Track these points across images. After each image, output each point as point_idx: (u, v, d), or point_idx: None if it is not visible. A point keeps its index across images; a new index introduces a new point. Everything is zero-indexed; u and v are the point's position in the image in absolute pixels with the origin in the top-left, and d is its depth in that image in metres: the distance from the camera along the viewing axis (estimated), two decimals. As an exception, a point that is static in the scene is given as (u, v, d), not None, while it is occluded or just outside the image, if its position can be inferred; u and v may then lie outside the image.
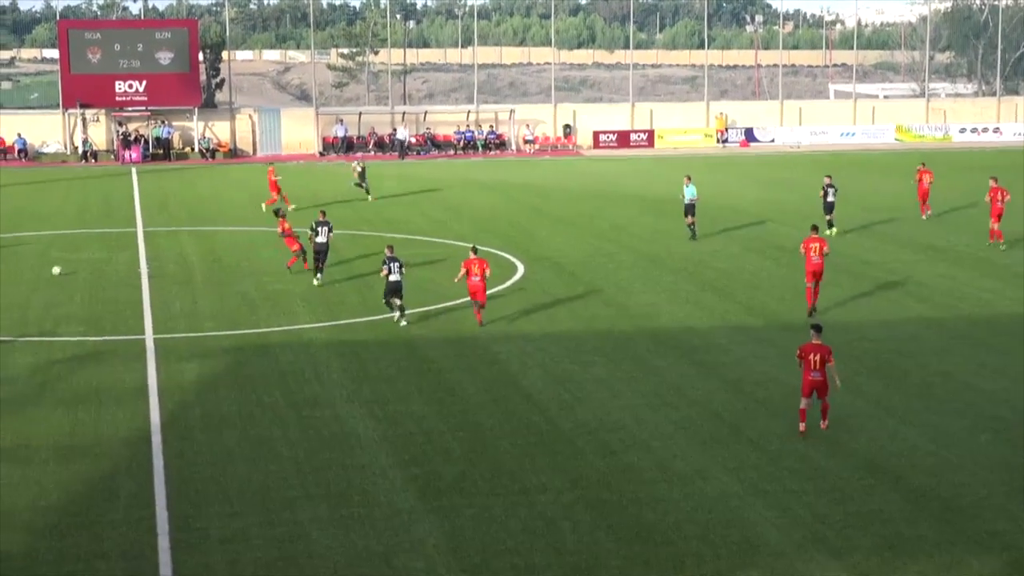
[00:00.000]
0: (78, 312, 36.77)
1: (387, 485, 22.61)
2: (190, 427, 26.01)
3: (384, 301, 35.15)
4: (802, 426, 25.18)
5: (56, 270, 41.47)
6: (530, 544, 20.02)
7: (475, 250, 35.20)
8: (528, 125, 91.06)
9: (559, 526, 20.73)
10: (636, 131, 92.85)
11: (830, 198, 50.57)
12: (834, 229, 49.77)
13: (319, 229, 40.31)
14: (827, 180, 50.91)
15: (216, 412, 26.99)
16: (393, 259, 34.62)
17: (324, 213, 41.76)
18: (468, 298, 35.20)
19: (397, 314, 34.81)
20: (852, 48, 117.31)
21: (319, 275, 40.44)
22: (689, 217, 49.39)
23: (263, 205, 57.62)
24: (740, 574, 18.98)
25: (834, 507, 21.53)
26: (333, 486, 22.59)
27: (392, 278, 34.52)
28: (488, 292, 36.02)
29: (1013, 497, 21.85)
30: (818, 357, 25.11)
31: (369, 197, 61.15)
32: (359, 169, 62.88)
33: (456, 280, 35.25)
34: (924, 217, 54.31)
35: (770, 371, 30.13)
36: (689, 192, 49.26)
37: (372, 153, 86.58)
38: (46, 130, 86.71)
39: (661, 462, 23.82)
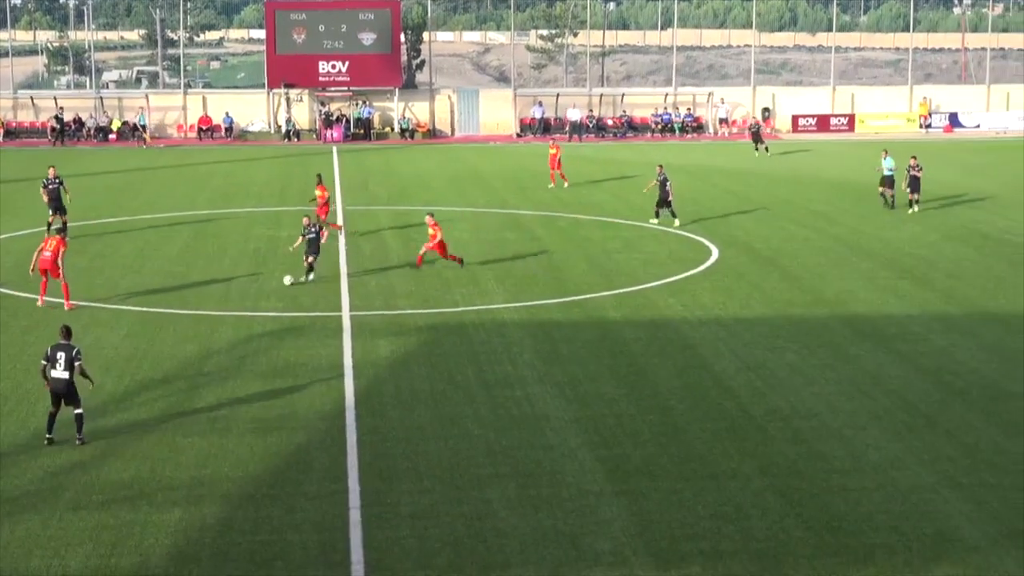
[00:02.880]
0: (277, 288, 37.53)
1: (576, 466, 22.66)
2: (383, 403, 26.39)
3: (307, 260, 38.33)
4: None
5: (287, 280, 38.14)
6: (718, 530, 19.90)
7: None
8: (723, 100, 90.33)
9: (748, 512, 20.57)
10: (836, 115, 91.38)
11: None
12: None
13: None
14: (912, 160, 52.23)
15: (409, 389, 27.35)
16: (313, 225, 38.82)
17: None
18: (661, 281, 35.15)
19: (311, 274, 38.32)
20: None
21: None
22: (887, 188, 52.35)
23: (562, 183, 60.28)
24: (932, 568, 18.60)
25: (1033, 502, 21.01)
26: (522, 466, 22.72)
27: (310, 237, 38.44)
28: (681, 276, 37.92)
29: None
30: None
31: (565, 183, 60.72)
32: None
33: None
34: None
35: (969, 362, 29.45)
36: (887, 164, 52.37)
37: (567, 136, 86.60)
38: (252, 109, 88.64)
39: (854, 451, 23.47)
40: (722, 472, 22.39)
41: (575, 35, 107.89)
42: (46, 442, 23.45)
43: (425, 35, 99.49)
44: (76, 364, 23.59)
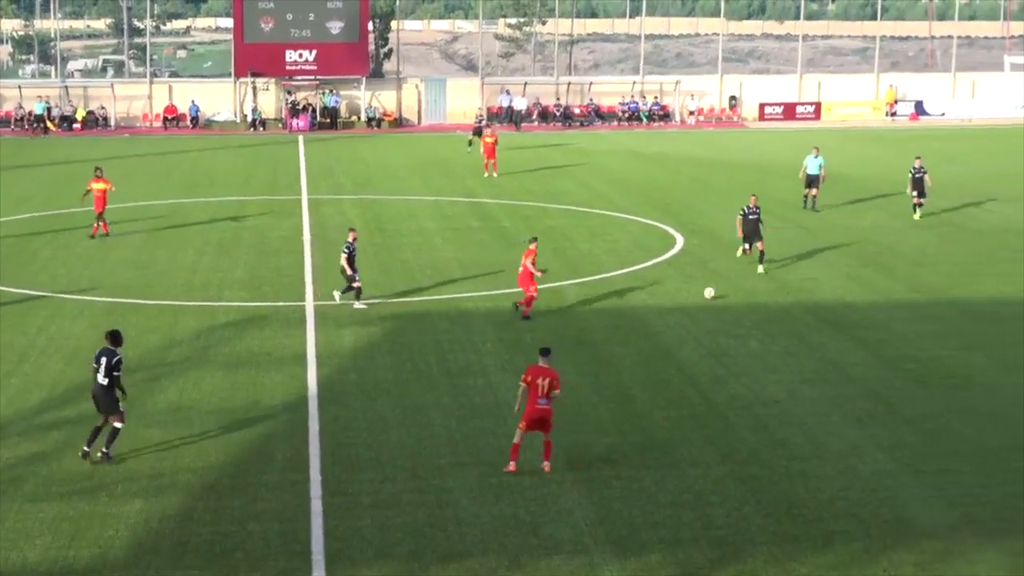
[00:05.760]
0: (241, 277, 37.44)
1: (535, 455, 22.66)
2: (346, 393, 26.38)
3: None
4: (512, 465, 21.76)
5: (709, 293, 34.21)
6: (678, 517, 19.97)
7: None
8: (692, 96, 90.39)
9: (708, 500, 20.65)
10: (803, 103, 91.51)
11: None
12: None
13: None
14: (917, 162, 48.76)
15: (371, 379, 27.34)
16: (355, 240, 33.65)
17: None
18: (625, 269, 35.16)
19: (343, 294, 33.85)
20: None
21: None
22: (811, 189, 49.27)
23: (492, 173, 59.68)
24: (890, 553, 18.72)
25: (991, 488, 21.15)
26: (483, 454, 22.74)
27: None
28: (646, 264, 37.53)
29: None
30: (547, 382, 21.78)
31: None
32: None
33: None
34: None
35: (930, 349, 29.62)
36: (815, 164, 49.26)
37: (536, 123, 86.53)
38: (218, 98, 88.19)
39: (815, 439, 23.58)
40: (683, 460, 22.45)
41: (543, 23, 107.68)
42: (80, 455, 22.46)
43: (393, 24, 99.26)
44: (114, 375, 22.30)
